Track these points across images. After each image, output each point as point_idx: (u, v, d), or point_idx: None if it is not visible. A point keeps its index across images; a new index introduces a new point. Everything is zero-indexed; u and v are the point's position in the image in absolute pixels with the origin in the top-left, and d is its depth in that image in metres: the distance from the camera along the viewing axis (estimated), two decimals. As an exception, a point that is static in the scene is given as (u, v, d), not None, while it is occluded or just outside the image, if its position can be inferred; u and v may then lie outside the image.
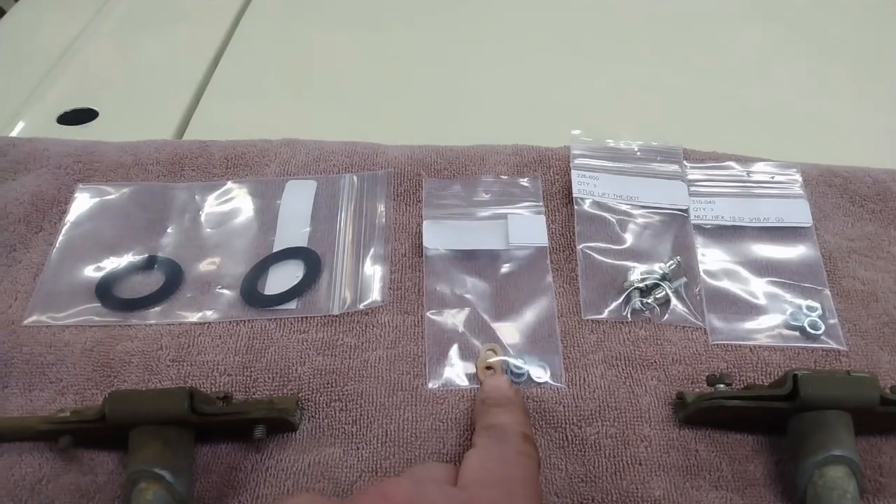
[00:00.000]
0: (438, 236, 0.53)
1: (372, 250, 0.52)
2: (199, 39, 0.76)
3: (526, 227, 0.54)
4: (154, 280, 0.51)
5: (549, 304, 0.50)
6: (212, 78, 0.71)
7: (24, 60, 0.75)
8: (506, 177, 0.57)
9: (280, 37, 0.77)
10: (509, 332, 0.49)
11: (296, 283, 0.50)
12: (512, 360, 0.47)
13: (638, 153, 0.59)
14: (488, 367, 0.47)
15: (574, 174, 0.56)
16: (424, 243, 0.52)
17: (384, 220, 0.54)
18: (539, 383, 0.46)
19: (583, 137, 0.59)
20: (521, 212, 0.55)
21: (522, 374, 0.46)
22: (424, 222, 0.54)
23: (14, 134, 0.65)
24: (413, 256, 0.53)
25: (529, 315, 0.50)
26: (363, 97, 0.69)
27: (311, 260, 0.51)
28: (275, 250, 0.52)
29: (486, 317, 0.49)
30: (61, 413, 0.42)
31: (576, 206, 0.55)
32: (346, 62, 0.73)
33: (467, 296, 0.50)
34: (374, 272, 0.51)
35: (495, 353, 0.48)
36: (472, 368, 0.47)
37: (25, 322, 0.48)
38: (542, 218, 0.55)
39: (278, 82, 0.71)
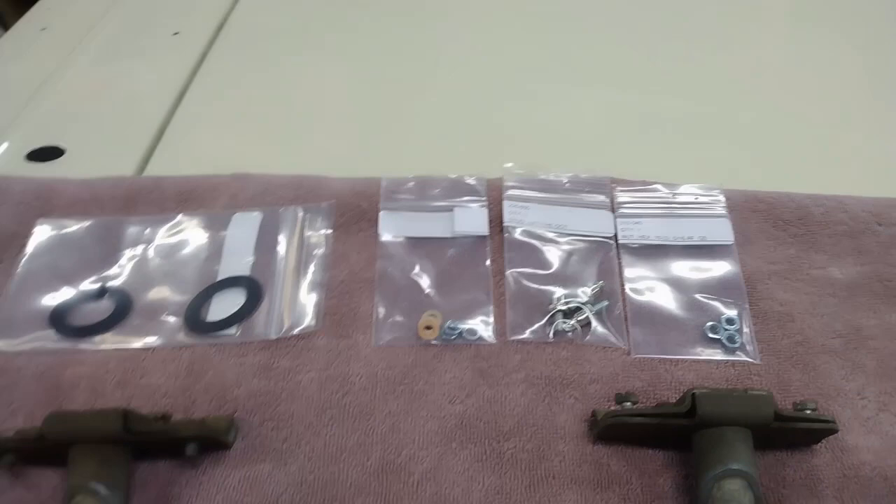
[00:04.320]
0: (392, 225, 0.59)
1: (310, 278, 0.55)
2: (166, 76, 0.80)
3: (469, 218, 0.59)
4: (105, 308, 0.54)
5: (485, 283, 0.55)
6: (175, 113, 0.75)
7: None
8: (454, 175, 0.62)
9: (241, 74, 0.80)
10: (448, 302, 0.54)
11: (236, 309, 0.53)
12: (448, 323, 0.53)
13: (567, 184, 0.62)
14: (428, 328, 0.52)
15: (505, 204, 0.59)
16: (380, 230, 0.58)
17: (325, 249, 0.57)
18: (471, 339, 0.52)
19: (515, 170, 0.63)
20: (466, 205, 0.59)
21: (455, 330, 0.52)
22: (381, 213, 0.59)
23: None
24: (351, 283, 0.56)
25: (468, 290, 0.55)
26: (314, 132, 0.73)
27: (253, 288, 0.54)
28: (219, 279, 0.55)
29: (429, 290, 0.55)
30: (4, 433, 0.44)
31: (506, 234, 0.58)
32: (301, 99, 0.77)
33: (414, 276, 0.56)
34: (311, 298, 0.54)
35: (435, 316, 0.53)
36: (413, 329, 0.53)
37: (-21, 349, 0.51)
38: (485, 211, 0.59)
39: (238, 118, 0.75)
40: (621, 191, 0.61)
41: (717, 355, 0.53)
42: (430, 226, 0.59)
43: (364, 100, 0.76)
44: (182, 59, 0.82)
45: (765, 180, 0.64)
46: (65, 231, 0.59)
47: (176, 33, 0.87)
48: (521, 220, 0.59)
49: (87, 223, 0.59)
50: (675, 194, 0.62)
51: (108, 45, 0.85)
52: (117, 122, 0.74)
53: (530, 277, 0.56)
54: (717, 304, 0.55)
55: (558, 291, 0.55)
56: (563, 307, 0.54)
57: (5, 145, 0.72)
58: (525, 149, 0.69)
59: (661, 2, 0.92)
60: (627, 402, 0.47)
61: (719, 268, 0.57)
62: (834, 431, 0.46)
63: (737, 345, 0.53)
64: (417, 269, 0.56)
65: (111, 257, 0.57)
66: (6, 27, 1.35)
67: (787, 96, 0.77)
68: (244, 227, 0.59)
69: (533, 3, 0.92)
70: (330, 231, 0.59)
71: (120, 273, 0.56)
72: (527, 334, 0.53)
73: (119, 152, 0.70)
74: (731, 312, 0.55)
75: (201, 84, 0.79)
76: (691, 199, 0.61)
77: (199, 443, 0.44)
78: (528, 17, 0.89)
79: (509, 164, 0.63)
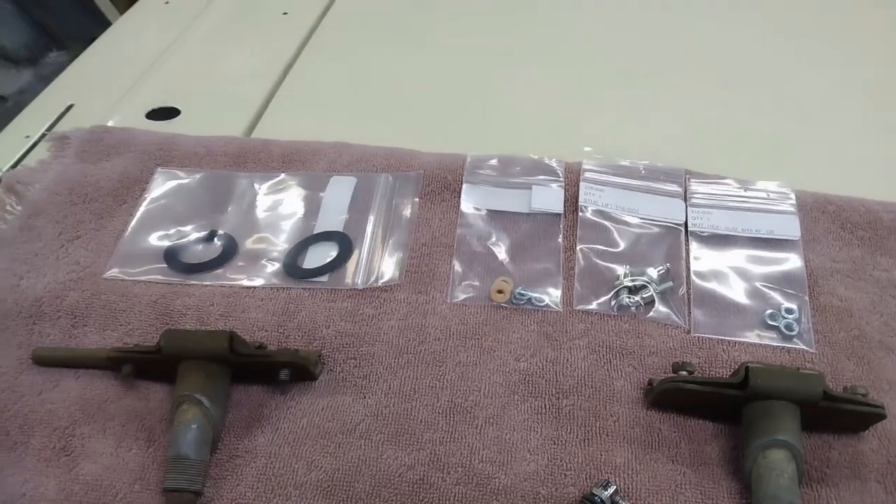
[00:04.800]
0: (474, 197, 0.63)
1: (395, 238, 0.60)
2: (273, 52, 0.86)
3: (547, 196, 0.63)
4: (213, 250, 0.60)
5: (556, 257, 0.59)
6: (281, 84, 0.81)
7: (122, 64, 0.87)
8: (535, 156, 0.66)
9: (342, 53, 0.86)
10: (520, 271, 0.59)
11: (329, 260, 0.59)
12: (519, 288, 0.57)
13: (643, 171, 0.65)
14: (500, 291, 0.57)
15: (582, 185, 0.63)
16: (462, 201, 0.63)
17: (410, 214, 0.62)
18: (539, 305, 0.56)
19: (594, 154, 0.66)
20: (545, 184, 0.63)
21: (525, 296, 0.56)
22: (464, 185, 0.64)
23: (109, 124, 0.76)
24: (431, 247, 0.60)
25: (539, 261, 0.59)
26: (407, 109, 0.78)
27: (344, 242, 0.60)
28: (315, 233, 0.61)
29: (503, 259, 0.59)
30: (125, 345, 0.51)
31: (580, 213, 0.62)
32: (395, 79, 0.82)
33: (490, 245, 0.60)
34: (395, 256, 0.59)
35: (507, 282, 0.57)
36: (486, 292, 0.57)
37: (106, 275, 0.58)
38: (561, 190, 0.63)
39: (339, 92, 0.81)
40: (695, 182, 0.64)
41: (774, 341, 0.55)
42: (508, 201, 0.63)
43: (454, 81, 0.81)
44: (290, 36, 0.89)
45: (838, 184, 0.66)
46: (181, 180, 0.65)
47: (285, 13, 0.94)
48: (596, 201, 0.62)
49: (200, 174, 0.66)
50: (747, 189, 0.64)
51: (223, 21, 0.93)
52: (229, 90, 0.81)
53: (599, 254, 0.59)
54: (777, 294, 0.58)
55: (625, 269, 0.58)
56: (630, 283, 0.57)
57: (128, 104, 0.79)
58: (604, 135, 0.72)
59: (748, 3, 0.94)
60: (683, 370, 0.50)
61: (784, 261, 0.60)
62: (882, 417, 0.48)
63: (794, 333, 0.55)
64: (494, 238, 0.61)
65: (221, 206, 0.63)
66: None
67: (868, 103, 0.78)
68: (340, 189, 0.64)
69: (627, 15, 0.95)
70: (416, 199, 0.63)
71: (228, 220, 0.62)
72: (592, 305, 0.56)
73: (229, 116, 0.77)
74: (792, 304, 0.57)
75: (306, 60, 0.85)
76: (763, 195, 0.64)
77: (291, 370, 0.50)
78: (616, 9, 0.93)
79: (588, 148, 0.66)
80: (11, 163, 0.73)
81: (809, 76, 0.82)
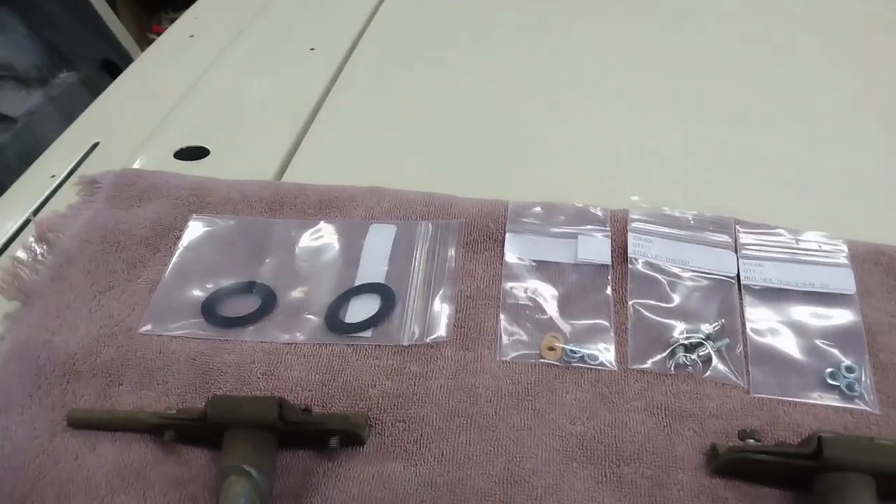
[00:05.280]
0: (518, 247, 0.61)
1: (441, 291, 0.58)
2: (301, 90, 0.85)
3: (593, 246, 0.61)
4: (251, 303, 0.58)
5: (605, 311, 0.57)
6: (311, 125, 0.80)
7: (147, 101, 0.85)
8: (579, 204, 0.64)
9: (372, 91, 0.85)
10: (570, 326, 0.57)
11: (372, 314, 0.57)
12: (570, 345, 0.55)
13: (692, 222, 0.63)
14: (551, 349, 0.55)
15: (630, 236, 0.61)
16: (505, 251, 0.61)
17: (454, 264, 0.60)
18: (593, 364, 0.54)
19: (640, 204, 0.64)
20: (590, 234, 0.62)
21: (577, 354, 0.54)
22: (507, 234, 0.62)
23: (136, 165, 0.74)
24: (476, 299, 0.58)
25: (589, 316, 0.57)
26: (444, 151, 0.76)
27: (387, 295, 0.58)
28: (356, 284, 0.59)
29: (552, 313, 0.57)
30: (168, 410, 0.49)
31: (630, 266, 0.60)
32: (428, 118, 0.81)
33: (537, 297, 0.58)
34: (441, 310, 0.57)
35: (557, 339, 0.55)
36: (537, 349, 0.55)
37: (141, 330, 0.56)
38: (608, 241, 0.61)
39: (368, 132, 0.79)
40: (745, 232, 0.63)
41: (836, 402, 0.53)
42: (554, 251, 0.61)
43: (493, 123, 0.80)
44: (318, 73, 0.87)
45: (884, 232, 0.64)
46: (216, 227, 0.63)
47: (312, 49, 0.93)
48: (645, 252, 0.60)
49: (236, 221, 0.64)
50: (798, 240, 0.62)
51: (250, 56, 0.91)
52: (258, 129, 0.80)
53: (652, 309, 0.57)
54: (836, 351, 0.56)
55: (680, 325, 0.56)
56: (685, 341, 0.55)
57: (155, 143, 0.78)
58: (647, 183, 0.71)
59: (795, 45, 0.93)
60: (751, 438, 0.48)
61: (840, 316, 0.58)
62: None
63: (856, 393, 0.53)
64: (540, 290, 0.59)
65: (258, 255, 0.61)
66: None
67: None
68: (380, 238, 0.62)
69: (664, 37, 0.94)
70: (459, 248, 0.62)
71: (266, 270, 0.60)
72: (648, 364, 0.54)
73: (260, 156, 0.75)
74: (851, 361, 0.55)
75: (336, 98, 0.84)
76: (814, 246, 0.62)
77: (340, 437, 0.48)
78: (660, 52, 0.91)
79: (635, 198, 0.65)
80: (37, 204, 0.71)
81: (852, 120, 0.81)
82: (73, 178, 0.71)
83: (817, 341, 0.56)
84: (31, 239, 0.62)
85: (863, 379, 0.54)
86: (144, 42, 2.65)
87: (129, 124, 0.82)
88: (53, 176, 0.75)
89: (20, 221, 0.69)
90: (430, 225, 0.63)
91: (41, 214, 0.65)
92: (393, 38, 0.96)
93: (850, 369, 0.54)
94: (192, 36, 0.97)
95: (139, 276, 0.60)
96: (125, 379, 0.53)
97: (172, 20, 3.17)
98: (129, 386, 0.53)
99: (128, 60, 2.14)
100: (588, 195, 0.66)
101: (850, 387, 0.53)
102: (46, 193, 0.72)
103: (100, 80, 1.67)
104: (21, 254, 0.60)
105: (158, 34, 2.97)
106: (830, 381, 0.54)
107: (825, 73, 0.89)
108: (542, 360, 0.55)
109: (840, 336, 0.57)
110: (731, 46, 0.93)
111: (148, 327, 0.56)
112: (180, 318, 0.57)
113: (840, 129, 0.79)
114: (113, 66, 1.87)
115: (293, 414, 0.47)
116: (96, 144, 0.78)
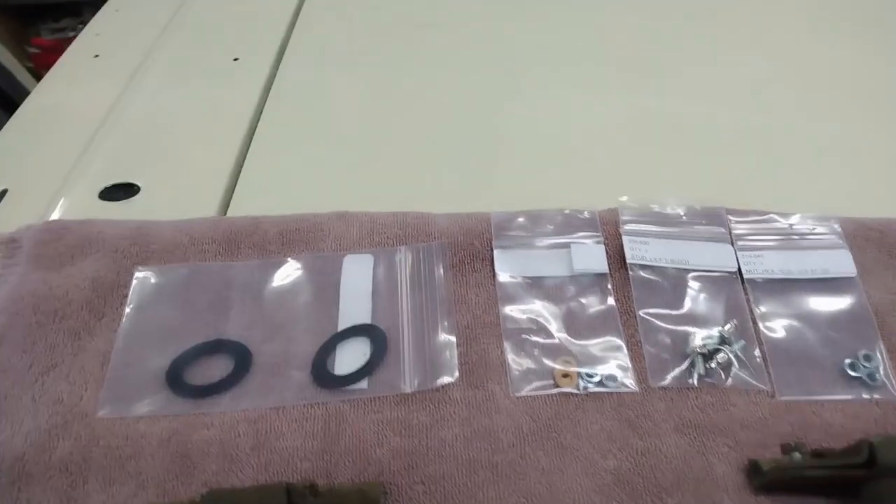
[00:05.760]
0: (508, 264, 0.56)
1: (436, 324, 0.53)
2: (232, 106, 0.77)
3: (588, 255, 0.57)
4: (223, 364, 0.51)
5: (613, 324, 0.53)
6: (250, 145, 0.72)
7: (57, 135, 0.76)
8: (566, 209, 0.60)
9: (312, 100, 0.78)
10: (580, 346, 0.52)
11: (365, 361, 0.51)
12: (585, 369, 0.51)
13: (683, 217, 0.60)
14: (565, 375, 0.50)
15: (626, 240, 0.57)
16: (496, 270, 0.56)
17: (444, 292, 0.55)
18: (612, 387, 0.50)
19: (629, 203, 0.61)
20: (582, 241, 0.57)
21: (594, 378, 0.50)
22: (495, 251, 0.57)
23: (57, 213, 0.65)
24: (475, 328, 0.53)
25: (596, 332, 0.53)
26: (406, 161, 0.70)
27: (378, 337, 0.52)
28: (340, 328, 0.53)
29: (557, 334, 0.53)
30: (153, 511, 0.42)
31: (630, 273, 0.56)
32: (384, 124, 0.74)
33: (538, 318, 0.54)
34: (440, 346, 0.52)
35: (570, 363, 0.51)
36: (550, 377, 0.51)
37: (99, 414, 0.48)
38: (602, 247, 0.57)
39: (317, 146, 0.72)
40: (737, 222, 0.60)
41: (860, 394, 0.51)
42: (547, 264, 0.57)
43: (456, 124, 0.74)
44: (248, 86, 0.80)
45: (870, 205, 0.63)
46: (167, 279, 0.56)
47: (236, 59, 0.85)
48: (643, 255, 0.57)
49: (189, 270, 0.56)
50: (791, 225, 0.60)
51: (167, 74, 0.82)
52: (190, 156, 0.71)
53: (662, 318, 0.54)
54: (849, 339, 0.54)
55: (694, 332, 0.53)
56: (702, 350, 0.52)
57: (75, 184, 0.68)
58: (627, 179, 0.67)
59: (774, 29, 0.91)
60: (796, 452, 0.45)
61: (845, 301, 0.56)
62: None
63: (878, 383, 0.51)
64: (540, 310, 0.54)
65: (221, 307, 0.54)
66: None
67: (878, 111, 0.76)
68: (357, 271, 0.56)
69: (627, 21, 0.90)
70: (446, 272, 0.56)
71: (233, 324, 0.53)
72: (668, 380, 0.51)
73: (198, 188, 0.67)
74: (866, 349, 0.53)
75: (272, 111, 0.76)
76: (807, 228, 0.60)
77: (362, 513, 0.42)
78: (626, 37, 0.88)
79: (624, 198, 0.61)
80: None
81: (826, 93, 0.79)
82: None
83: (829, 332, 0.54)
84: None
85: (881, 366, 0.52)
86: (25, 57, 2.44)
87: (39, 164, 0.72)
88: (-42, 235, 0.65)
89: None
90: (409, 250, 0.58)
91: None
92: (327, 36, 0.88)
93: (868, 358, 0.52)
94: (97, 56, 0.87)
95: (86, 348, 0.52)
96: (90, 476, 0.46)
97: (53, 30, 2.94)
98: (96, 484, 0.46)
99: (11, 81, 1.96)
100: (569, 198, 0.62)
101: (871, 376, 0.51)
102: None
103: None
104: (-59, 342, 0.51)
105: (39, 47, 2.75)
106: (851, 373, 0.52)
107: (797, 46, 0.87)
108: (558, 390, 0.50)
109: (850, 323, 0.55)
110: (700, 26, 0.90)
111: (107, 410, 0.48)
112: (143, 393, 0.49)
113: (812, 102, 0.78)
114: (-6, 89, 1.72)
115: (303, 499, 0.41)
116: (4, 192, 0.68)
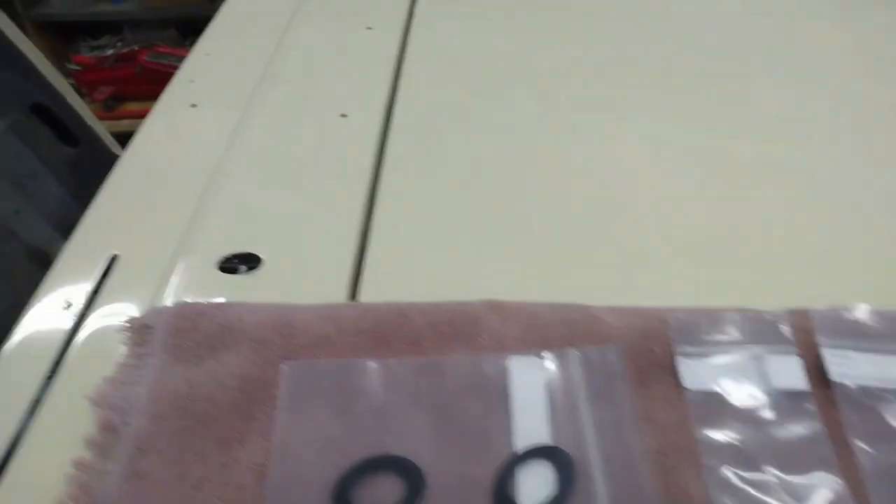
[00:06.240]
0: (695, 376, 0.51)
1: (627, 449, 0.47)
2: (347, 163, 0.72)
3: (785, 368, 0.51)
4: (389, 484, 0.45)
5: (828, 458, 0.47)
6: (373, 212, 0.67)
7: (162, 192, 0.71)
8: (750, 314, 0.54)
9: (432, 162, 0.73)
10: (789, 483, 0.46)
11: (551, 492, 0.45)
12: None
13: (879, 324, 0.54)
14: None
15: (827, 353, 0.52)
16: (684, 385, 0.50)
17: (628, 408, 0.49)
18: None
19: (818, 306, 0.55)
20: (776, 352, 0.52)
21: None
22: (679, 360, 0.51)
23: (175, 285, 0.60)
24: (670, 454, 0.47)
25: (806, 467, 0.47)
26: (540, 240, 0.65)
27: (564, 463, 0.46)
28: (515, 446, 0.47)
29: (765, 466, 0.46)
30: None
31: (838, 393, 0.50)
32: (507, 193, 0.69)
33: (739, 444, 0.48)
34: (633, 477, 0.46)
35: None
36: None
37: (263, 543, 0.43)
38: (798, 359, 0.52)
39: (444, 216, 0.67)
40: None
41: None
42: (737, 378, 0.51)
43: (578, 198, 0.69)
44: (359, 144, 0.75)
45: None
46: (319, 378, 0.50)
47: (344, 115, 0.80)
48: (846, 372, 0.51)
49: (341, 367, 0.51)
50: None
51: (271, 127, 0.77)
52: (310, 220, 0.66)
53: (886, 451, 0.48)
54: None
55: (921, 471, 0.47)
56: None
57: (192, 252, 0.63)
58: (787, 271, 0.61)
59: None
60: None
61: None
62: None
63: None
64: (737, 435, 0.48)
65: (380, 412, 0.49)
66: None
67: None
68: (527, 378, 0.50)
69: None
70: (628, 383, 0.50)
71: (396, 435, 0.47)
72: (901, 530, 0.45)
73: (323, 262, 0.62)
74: None
75: (389, 176, 0.71)
76: None
77: None
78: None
79: (821, 308, 0.55)
80: (59, 347, 0.56)
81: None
82: (103, 313, 0.57)
83: None
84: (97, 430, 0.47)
85: None
86: (65, 74, 2.41)
87: (148, 227, 0.67)
88: (70, 304, 0.59)
89: (39, 378, 0.53)
90: (579, 353, 0.52)
91: (98, 391, 0.50)
92: (433, 93, 0.83)
93: None
94: (194, 105, 0.82)
95: (239, 460, 0.46)
96: None
97: (92, 48, 2.92)
98: None
99: (59, 101, 1.93)
100: (726, 291, 0.57)
101: None
102: (65, 333, 0.57)
103: (30, 127, 1.49)
104: (86, 452, 0.45)
105: (79, 64, 2.73)
106: None
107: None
108: (779, 538, 0.44)
109: None
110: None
111: (269, 536, 0.43)
112: (307, 514, 0.44)
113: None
114: (43, 109, 1.68)
115: None
116: (115, 257, 0.63)
